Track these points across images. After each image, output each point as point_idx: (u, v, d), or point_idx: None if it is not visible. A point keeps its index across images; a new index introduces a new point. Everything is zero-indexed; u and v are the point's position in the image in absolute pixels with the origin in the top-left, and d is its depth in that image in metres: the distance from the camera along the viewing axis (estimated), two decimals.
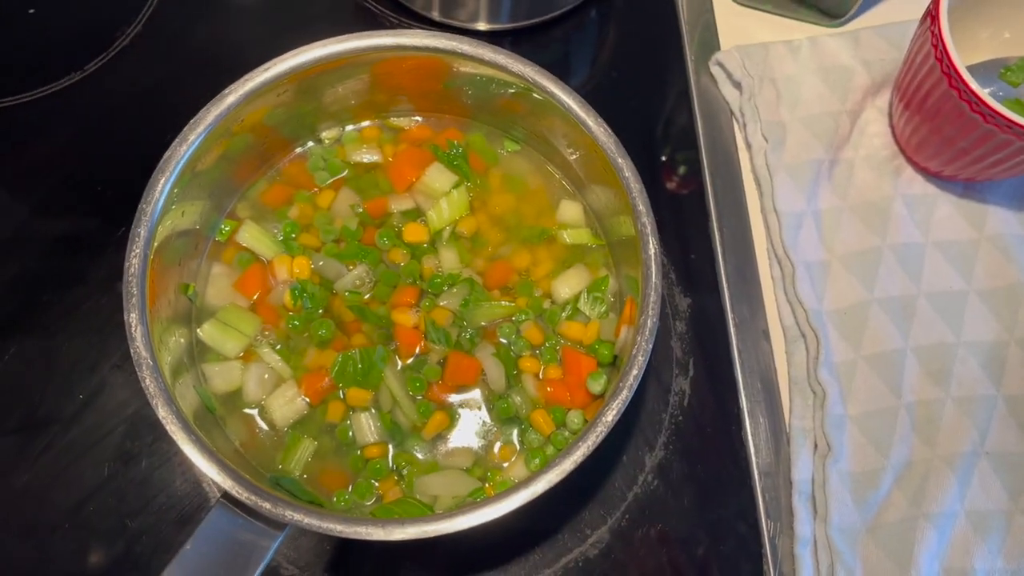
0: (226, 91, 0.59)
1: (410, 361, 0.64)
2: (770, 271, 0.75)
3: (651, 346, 0.55)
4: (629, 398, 0.54)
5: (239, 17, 0.84)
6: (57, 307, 0.71)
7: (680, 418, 0.71)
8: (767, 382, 0.72)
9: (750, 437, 0.70)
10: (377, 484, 0.61)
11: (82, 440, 0.67)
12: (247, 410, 0.62)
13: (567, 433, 0.62)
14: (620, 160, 0.59)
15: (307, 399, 0.62)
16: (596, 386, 0.62)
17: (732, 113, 0.80)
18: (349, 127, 0.70)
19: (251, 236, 0.66)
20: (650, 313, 0.56)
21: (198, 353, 0.63)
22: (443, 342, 0.63)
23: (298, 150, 0.69)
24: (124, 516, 0.66)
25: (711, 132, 0.80)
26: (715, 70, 0.81)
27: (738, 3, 0.84)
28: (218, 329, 0.63)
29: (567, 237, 0.67)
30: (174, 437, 0.52)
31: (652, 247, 0.57)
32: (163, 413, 0.52)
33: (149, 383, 0.53)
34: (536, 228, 0.68)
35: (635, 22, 0.86)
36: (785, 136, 0.77)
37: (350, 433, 0.62)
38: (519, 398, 0.63)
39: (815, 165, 0.76)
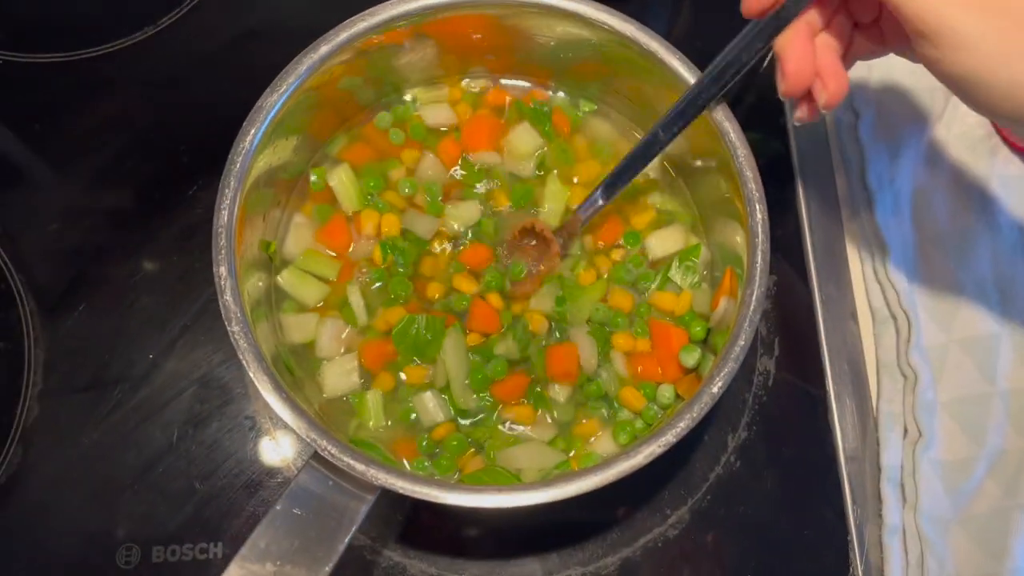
0: (318, 41, 0.57)
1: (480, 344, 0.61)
2: (859, 250, 0.73)
3: (758, 317, 0.53)
4: (735, 370, 0.52)
5: None
6: (127, 265, 0.70)
7: (764, 399, 0.68)
8: (854, 364, 0.69)
9: (836, 420, 0.68)
10: (456, 458, 0.59)
11: (152, 401, 0.66)
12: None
13: (657, 408, 0.60)
14: (727, 124, 0.56)
15: (365, 371, 0.60)
16: (689, 359, 0.60)
17: None
18: (425, 89, 0.68)
19: (343, 181, 0.64)
20: (757, 283, 0.53)
21: (276, 302, 0.61)
22: (522, 349, 0.61)
23: (379, 111, 0.67)
24: (193, 479, 0.64)
25: None
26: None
27: None
28: (297, 277, 0.62)
29: (656, 202, 0.65)
30: (265, 394, 0.50)
31: (760, 214, 0.55)
32: (254, 369, 0.50)
33: (239, 338, 0.51)
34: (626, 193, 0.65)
35: None
36: (876, 111, 0.74)
37: (412, 416, 0.60)
38: (606, 375, 0.61)
39: (907, 142, 0.73)
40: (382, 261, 0.62)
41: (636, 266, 0.63)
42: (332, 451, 0.49)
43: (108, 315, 0.68)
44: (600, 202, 0.61)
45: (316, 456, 0.50)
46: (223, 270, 0.52)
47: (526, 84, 0.69)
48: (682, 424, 0.51)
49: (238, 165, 0.54)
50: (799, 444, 0.68)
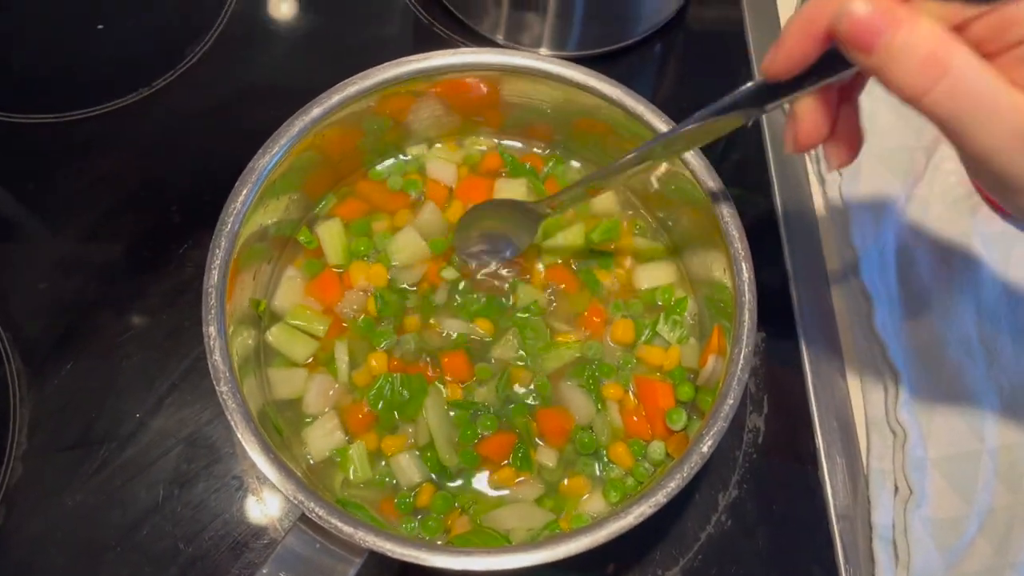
0: (311, 103, 0.58)
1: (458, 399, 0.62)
2: (846, 306, 0.73)
3: (747, 376, 0.53)
4: (724, 429, 0.52)
5: (308, 40, 0.83)
6: (116, 324, 0.69)
7: (754, 456, 0.68)
8: (843, 420, 0.70)
9: (827, 477, 0.68)
10: (443, 517, 0.59)
11: (138, 460, 0.65)
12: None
13: (647, 465, 0.60)
14: (711, 183, 0.57)
15: (349, 432, 0.60)
16: (677, 423, 0.60)
17: None
18: (424, 148, 0.69)
19: (331, 235, 0.65)
20: (744, 342, 0.54)
21: (264, 358, 0.61)
22: (502, 404, 0.61)
23: (376, 167, 0.68)
24: (178, 540, 0.63)
25: (782, 165, 0.78)
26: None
27: None
28: (287, 333, 0.62)
29: (641, 245, 0.67)
30: (252, 455, 0.50)
31: (746, 273, 0.55)
32: (241, 430, 0.50)
33: (228, 398, 0.51)
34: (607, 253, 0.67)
35: (701, 55, 0.85)
36: (859, 170, 0.75)
37: (389, 480, 0.59)
38: (599, 424, 0.61)
39: (890, 200, 0.74)
40: (377, 312, 0.62)
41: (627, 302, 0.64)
42: (320, 513, 0.49)
43: (96, 373, 0.68)
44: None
45: (304, 518, 0.49)
46: (212, 330, 0.52)
47: (520, 145, 0.70)
48: (672, 484, 0.50)
49: (229, 226, 0.55)
50: (790, 501, 0.67)
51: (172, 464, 0.66)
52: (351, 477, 0.59)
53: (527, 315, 0.63)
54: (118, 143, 0.76)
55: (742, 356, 0.53)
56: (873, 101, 0.77)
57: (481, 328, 0.63)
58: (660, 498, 0.50)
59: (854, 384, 0.71)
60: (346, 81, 0.59)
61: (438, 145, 0.69)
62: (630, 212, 0.68)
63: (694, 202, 0.59)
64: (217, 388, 0.51)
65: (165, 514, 0.64)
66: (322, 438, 0.60)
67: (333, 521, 0.48)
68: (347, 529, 0.48)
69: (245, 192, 0.56)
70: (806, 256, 0.74)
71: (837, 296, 0.74)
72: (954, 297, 0.71)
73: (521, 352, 0.62)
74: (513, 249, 0.64)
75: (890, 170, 0.75)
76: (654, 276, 0.66)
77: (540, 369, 0.62)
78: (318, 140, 0.60)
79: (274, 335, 0.62)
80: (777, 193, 0.77)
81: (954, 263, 0.73)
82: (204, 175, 0.75)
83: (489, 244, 0.65)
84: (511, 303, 0.64)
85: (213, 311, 0.53)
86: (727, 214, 0.57)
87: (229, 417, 0.51)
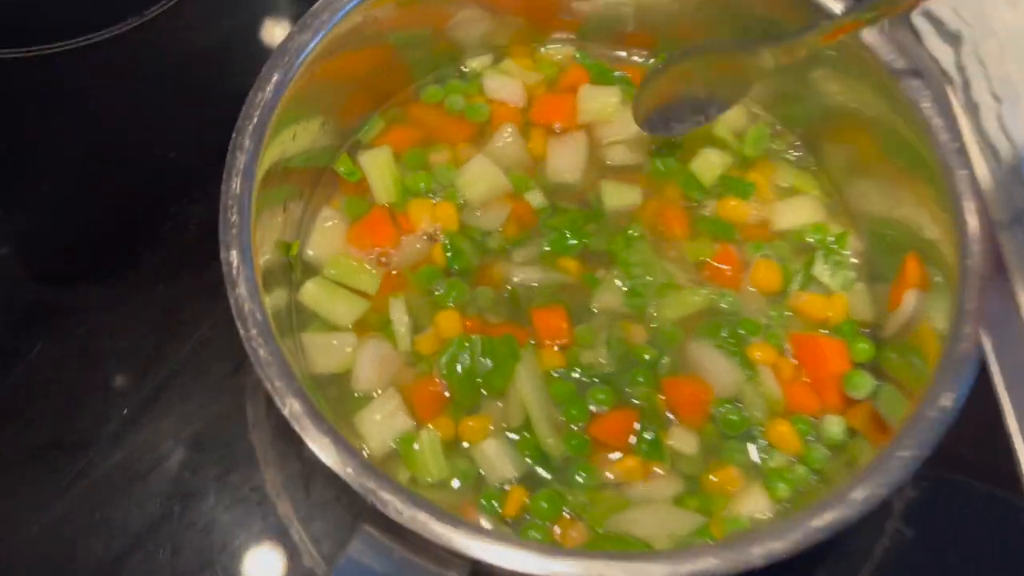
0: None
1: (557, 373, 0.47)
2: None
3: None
4: (970, 378, 0.37)
5: None
6: (98, 296, 0.57)
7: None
8: None
9: None
10: (549, 524, 0.43)
11: (125, 469, 0.52)
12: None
13: (822, 448, 0.44)
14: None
15: (412, 417, 0.46)
16: (859, 389, 0.45)
17: (944, 73, 0.65)
18: (488, 59, 0.56)
19: (379, 166, 0.52)
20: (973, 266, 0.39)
21: (297, 324, 0.47)
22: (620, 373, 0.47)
23: (429, 86, 0.56)
24: (180, 574, 0.48)
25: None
26: (919, 22, 0.66)
27: None
28: (326, 290, 0.49)
29: (781, 181, 0.53)
30: (295, 424, 0.34)
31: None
32: (279, 384, 0.35)
33: (258, 346, 0.36)
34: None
35: None
36: (1019, 95, 0.61)
37: (470, 475, 0.45)
38: (748, 402, 0.46)
39: None
40: (448, 264, 0.49)
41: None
42: (400, 508, 0.33)
43: (71, 358, 0.55)
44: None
45: (372, 517, 0.33)
46: (235, 255, 0.38)
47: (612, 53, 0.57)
48: (896, 463, 0.35)
49: (254, 120, 0.40)
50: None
51: (171, 474, 0.52)
52: (423, 474, 0.43)
53: (631, 233, 0.50)
54: (106, 79, 0.64)
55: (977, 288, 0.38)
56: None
57: (570, 269, 0.49)
58: (878, 490, 0.35)
59: None
60: None
61: (507, 60, 0.55)
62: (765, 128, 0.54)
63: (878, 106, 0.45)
64: (243, 333, 0.36)
65: (161, 539, 0.50)
66: (380, 424, 0.45)
67: (421, 519, 0.32)
68: (440, 530, 0.32)
69: (276, 77, 0.41)
70: None
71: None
72: None
73: (630, 296, 0.48)
74: (719, 106, 0.51)
75: None
76: (798, 213, 0.51)
77: (661, 319, 0.48)
78: (357, 36, 0.46)
79: (309, 293, 0.48)
80: None
81: None
82: (208, 117, 0.60)
83: (682, 107, 0.52)
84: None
85: (234, 231, 0.38)
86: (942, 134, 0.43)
87: (260, 371, 0.35)
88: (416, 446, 0.44)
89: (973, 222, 0.41)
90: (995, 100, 0.62)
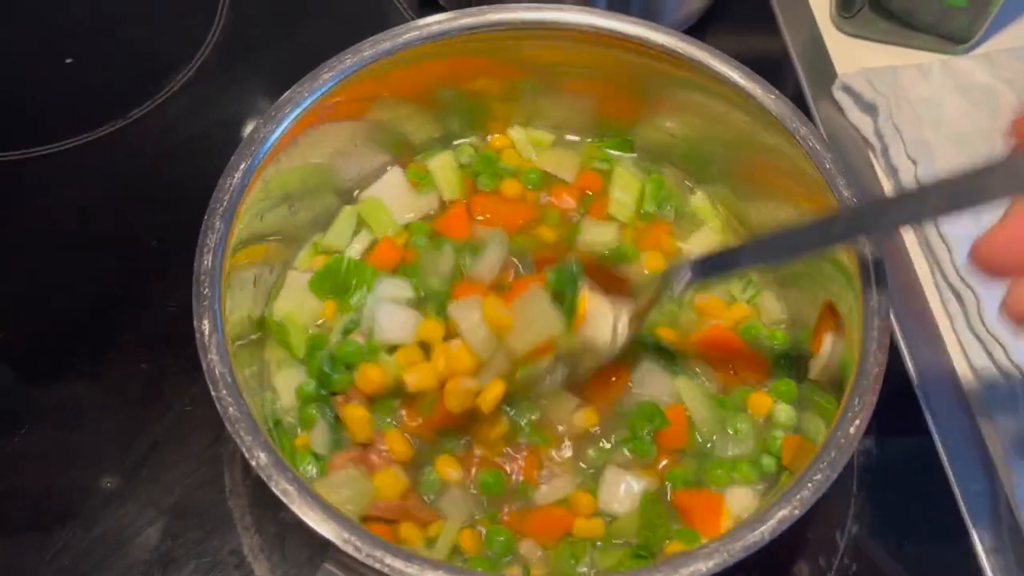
0: (320, 68, 0.49)
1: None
2: (944, 307, 0.63)
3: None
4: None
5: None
6: (81, 374, 0.59)
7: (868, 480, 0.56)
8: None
9: None
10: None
11: (107, 540, 0.53)
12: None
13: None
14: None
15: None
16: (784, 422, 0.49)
17: (865, 141, 0.71)
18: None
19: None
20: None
21: (266, 377, 0.50)
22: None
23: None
24: None
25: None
26: (840, 96, 0.72)
27: (848, 34, 0.76)
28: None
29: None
30: (261, 472, 0.37)
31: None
32: (247, 439, 0.37)
33: (228, 404, 0.39)
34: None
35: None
36: (934, 156, 0.67)
37: None
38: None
39: None
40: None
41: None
42: (359, 545, 0.35)
43: (55, 435, 0.56)
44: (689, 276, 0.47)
45: (333, 556, 0.36)
46: (207, 324, 0.41)
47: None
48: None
49: (224, 204, 0.44)
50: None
51: (153, 541, 0.53)
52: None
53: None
54: (90, 178, 0.67)
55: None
56: (935, 89, 0.70)
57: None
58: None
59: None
60: (356, 46, 0.50)
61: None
62: None
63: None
64: (215, 394, 0.39)
65: None
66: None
67: (378, 554, 0.35)
68: (398, 565, 0.35)
69: (243, 166, 0.45)
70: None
71: (932, 297, 0.64)
72: None
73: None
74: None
75: (967, 155, 0.67)
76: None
77: None
78: (329, 116, 0.50)
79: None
80: None
81: None
82: (186, 208, 0.64)
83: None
84: None
85: (206, 301, 0.41)
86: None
87: (231, 428, 0.38)
88: None
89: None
90: (912, 162, 0.67)
